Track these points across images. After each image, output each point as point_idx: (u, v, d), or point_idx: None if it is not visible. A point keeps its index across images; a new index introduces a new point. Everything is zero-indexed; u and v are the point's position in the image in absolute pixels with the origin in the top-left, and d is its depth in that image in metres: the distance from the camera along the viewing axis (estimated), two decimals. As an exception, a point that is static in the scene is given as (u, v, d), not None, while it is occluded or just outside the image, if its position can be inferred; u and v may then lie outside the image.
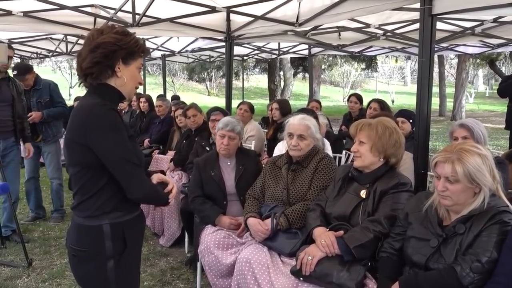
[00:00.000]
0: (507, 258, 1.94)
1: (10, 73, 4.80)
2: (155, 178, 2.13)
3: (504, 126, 6.32)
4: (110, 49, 1.87)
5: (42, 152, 5.31)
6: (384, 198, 2.57)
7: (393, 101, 28.56)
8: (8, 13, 4.76)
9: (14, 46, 8.19)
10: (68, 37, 7.79)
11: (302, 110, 4.43)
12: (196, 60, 12.49)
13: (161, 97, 7.90)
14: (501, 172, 2.23)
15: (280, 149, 4.22)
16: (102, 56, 1.87)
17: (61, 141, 6.36)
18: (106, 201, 1.90)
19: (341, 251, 2.42)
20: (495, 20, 5.33)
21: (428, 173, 3.36)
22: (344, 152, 5.17)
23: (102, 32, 1.91)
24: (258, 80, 37.55)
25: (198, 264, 3.53)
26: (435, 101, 17.93)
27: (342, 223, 2.62)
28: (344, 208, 2.66)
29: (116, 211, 1.93)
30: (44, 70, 32.40)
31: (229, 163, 3.60)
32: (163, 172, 2.23)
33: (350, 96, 7.02)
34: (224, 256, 3.00)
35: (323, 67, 26.09)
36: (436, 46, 3.56)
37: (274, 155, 3.97)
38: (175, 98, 9.43)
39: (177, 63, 21.12)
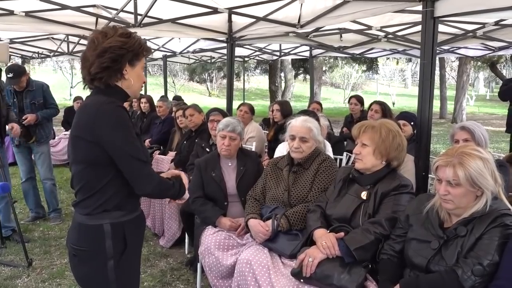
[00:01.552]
0: (508, 261, 1.94)
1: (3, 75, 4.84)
2: (169, 173, 2.15)
3: (504, 129, 6.32)
4: (118, 53, 1.88)
5: (35, 153, 5.33)
6: (385, 200, 2.57)
7: (393, 103, 28.56)
8: (10, 12, 4.76)
9: (16, 45, 8.26)
10: (69, 37, 7.80)
11: (303, 112, 4.43)
12: (197, 61, 12.49)
13: (163, 97, 7.90)
14: (502, 175, 2.23)
15: (281, 150, 4.22)
16: (110, 61, 1.88)
17: (51, 142, 6.41)
18: (108, 199, 1.91)
19: (342, 253, 2.42)
20: (496, 23, 5.32)
21: (429, 175, 3.37)
22: (345, 154, 5.17)
23: (106, 35, 1.90)
24: (259, 81, 37.56)
25: (198, 265, 3.53)
26: (436, 104, 17.94)
27: (343, 224, 2.62)
28: (345, 210, 2.66)
29: (117, 210, 1.93)
30: (45, 70, 32.47)
31: (230, 164, 3.60)
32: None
33: (350, 98, 7.03)
34: (225, 257, 2.99)
35: (324, 68, 26.11)
36: (437, 48, 3.57)
37: (275, 156, 3.97)
38: (177, 98, 9.42)
39: (178, 63, 21.12)
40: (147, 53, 2.01)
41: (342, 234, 2.52)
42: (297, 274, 2.50)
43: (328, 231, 2.60)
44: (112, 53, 1.87)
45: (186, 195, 2.15)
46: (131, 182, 1.89)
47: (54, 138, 8.34)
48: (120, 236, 1.94)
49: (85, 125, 1.87)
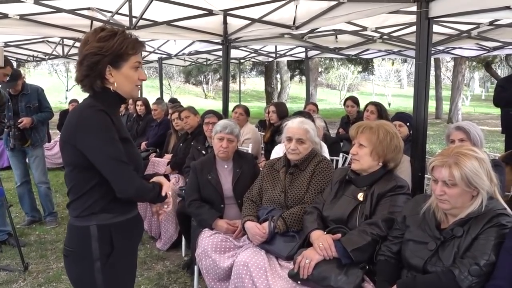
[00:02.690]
0: (505, 261, 1.94)
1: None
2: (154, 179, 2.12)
3: (500, 128, 6.33)
4: (92, 61, 1.86)
5: (29, 157, 5.32)
6: (381, 201, 2.58)
7: (389, 104, 28.64)
8: (5, 16, 4.74)
9: (11, 49, 8.22)
10: (64, 40, 7.78)
11: (299, 113, 4.43)
12: (193, 63, 12.47)
13: (158, 100, 7.86)
14: (498, 174, 2.23)
15: (277, 152, 4.22)
16: (88, 69, 1.88)
17: (46, 145, 6.39)
18: (94, 202, 1.91)
19: (339, 254, 2.42)
20: (491, 23, 5.34)
21: (425, 175, 3.37)
22: (341, 155, 5.17)
23: (87, 41, 1.89)
24: (255, 83, 37.56)
25: (196, 268, 3.52)
26: (431, 104, 17.97)
27: (340, 226, 2.62)
28: (342, 211, 2.66)
29: (104, 213, 1.92)
30: (40, 73, 32.35)
31: (226, 166, 3.59)
32: (167, 176, 2.20)
33: (346, 99, 7.01)
34: (222, 260, 2.99)
35: (319, 70, 26.13)
36: (432, 48, 3.58)
37: (271, 158, 3.96)
38: (173, 101, 9.40)
39: (174, 66, 21.11)
40: (134, 51, 1.94)
41: (339, 235, 2.53)
42: (294, 275, 2.50)
43: (325, 232, 2.60)
44: (88, 61, 1.87)
45: (170, 203, 2.11)
46: (112, 184, 1.87)
47: (49, 142, 8.32)
48: (106, 238, 1.93)
49: (69, 129, 1.89)
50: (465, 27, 5.77)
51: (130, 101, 7.68)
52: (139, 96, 8.34)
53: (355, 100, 6.76)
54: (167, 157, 5.61)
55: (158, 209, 2.13)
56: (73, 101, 9.35)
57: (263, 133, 6.33)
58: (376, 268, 2.40)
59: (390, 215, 2.50)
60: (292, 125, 3.19)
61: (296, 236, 2.85)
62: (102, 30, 1.92)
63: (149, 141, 6.63)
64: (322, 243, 2.47)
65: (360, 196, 2.64)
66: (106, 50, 1.87)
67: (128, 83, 1.97)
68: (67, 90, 27.88)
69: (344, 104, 6.96)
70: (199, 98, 32.30)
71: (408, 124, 4.29)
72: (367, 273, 2.43)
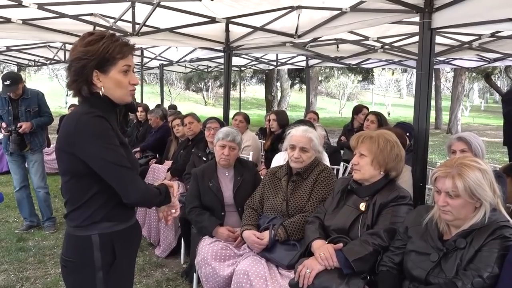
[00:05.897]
0: (508, 273, 1.93)
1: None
2: (162, 184, 2.09)
3: (499, 139, 6.29)
4: (78, 66, 1.84)
5: (28, 162, 5.33)
6: (383, 211, 2.57)
7: (389, 114, 28.69)
8: (8, 20, 4.75)
9: (12, 53, 8.24)
10: (66, 45, 7.78)
11: (300, 122, 4.43)
12: (194, 70, 12.50)
13: (152, 109, 7.71)
14: (500, 186, 2.23)
15: (278, 160, 4.22)
16: (74, 74, 1.85)
17: (46, 150, 6.40)
18: (95, 211, 1.87)
19: (340, 264, 2.41)
20: (492, 35, 5.37)
21: (427, 186, 3.36)
22: (342, 164, 5.16)
23: (75, 47, 1.87)
24: (255, 91, 37.63)
25: (195, 276, 3.50)
26: (431, 114, 18.00)
27: (341, 235, 2.61)
28: (343, 221, 2.65)
29: (105, 221, 1.89)
30: (40, 78, 32.40)
31: (227, 174, 3.58)
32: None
33: (361, 107, 6.67)
34: (222, 268, 2.97)
35: (320, 78, 26.18)
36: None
37: (272, 166, 3.96)
38: (172, 107, 9.42)
39: (174, 72, 21.14)
40: (121, 55, 1.87)
41: (340, 245, 2.51)
42: (294, 285, 2.48)
43: (327, 242, 2.59)
44: (74, 66, 1.84)
45: (177, 207, 2.10)
46: (118, 190, 1.84)
47: (48, 146, 8.30)
48: (109, 247, 1.90)
49: (66, 137, 1.85)
50: (466, 38, 5.80)
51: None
52: (132, 100, 8.29)
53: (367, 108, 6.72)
54: (167, 163, 5.60)
55: (166, 215, 2.11)
56: (73, 106, 9.35)
57: (263, 141, 6.32)
58: (377, 279, 2.39)
59: (392, 226, 2.49)
60: (296, 133, 3.18)
61: (297, 245, 2.84)
62: (90, 35, 1.88)
63: (144, 144, 6.62)
64: (324, 253, 2.45)
65: (362, 206, 2.63)
66: (92, 55, 1.83)
67: (117, 87, 1.90)
68: (67, 95, 27.85)
69: (359, 111, 6.62)
70: (199, 105, 32.33)
71: (408, 134, 4.29)
72: (369, 283, 2.41)
